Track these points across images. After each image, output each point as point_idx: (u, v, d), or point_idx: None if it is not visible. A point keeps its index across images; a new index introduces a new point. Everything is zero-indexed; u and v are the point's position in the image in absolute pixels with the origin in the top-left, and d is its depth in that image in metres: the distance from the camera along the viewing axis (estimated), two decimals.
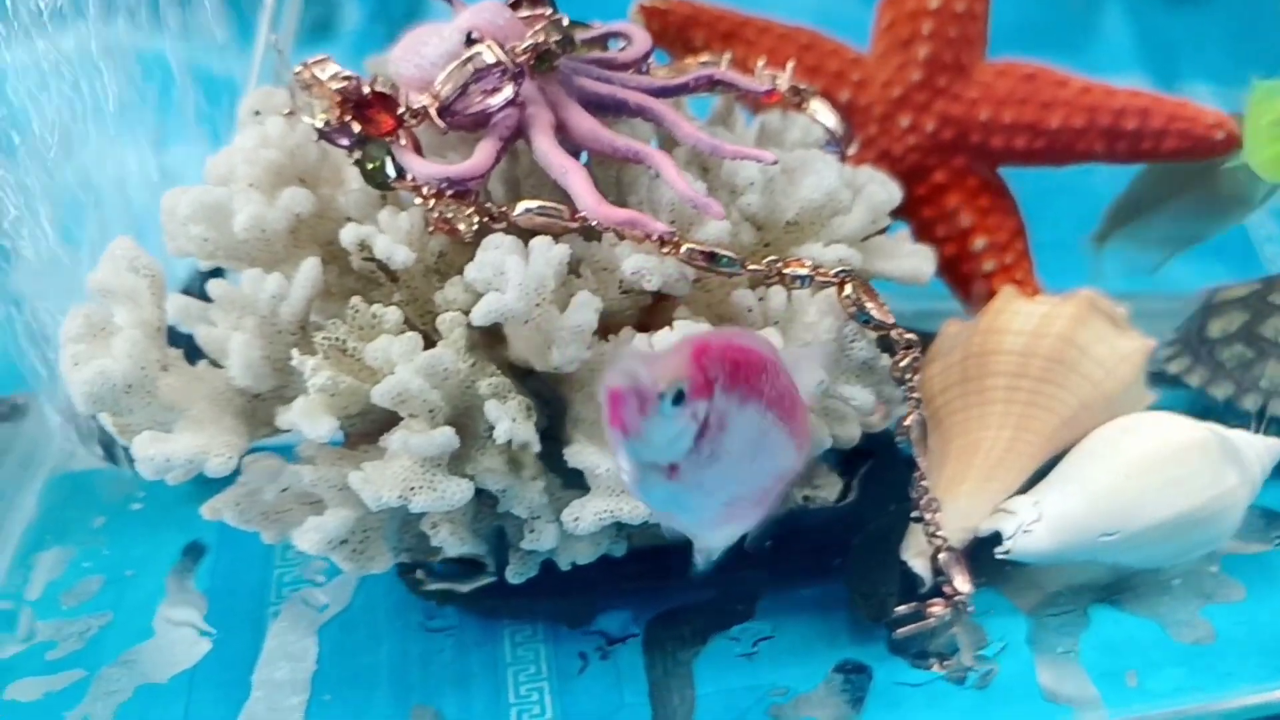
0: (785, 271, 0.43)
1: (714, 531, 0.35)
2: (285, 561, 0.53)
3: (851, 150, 0.54)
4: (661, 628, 0.48)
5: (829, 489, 0.48)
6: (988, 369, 0.51)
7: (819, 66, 0.57)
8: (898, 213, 0.50)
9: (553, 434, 0.44)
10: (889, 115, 0.57)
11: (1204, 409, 0.52)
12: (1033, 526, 0.45)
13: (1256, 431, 0.50)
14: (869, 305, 0.43)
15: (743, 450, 0.33)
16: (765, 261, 0.43)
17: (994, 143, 0.57)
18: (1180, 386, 0.56)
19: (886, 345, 0.44)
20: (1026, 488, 0.48)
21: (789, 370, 0.35)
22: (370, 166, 0.42)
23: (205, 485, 0.44)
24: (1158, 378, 0.55)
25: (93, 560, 0.54)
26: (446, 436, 0.40)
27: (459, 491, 0.41)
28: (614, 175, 0.46)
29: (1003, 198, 0.59)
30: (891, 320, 0.43)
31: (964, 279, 0.59)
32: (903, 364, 0.44)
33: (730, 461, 0.33)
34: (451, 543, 0.43)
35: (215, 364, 0.44)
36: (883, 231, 0.50)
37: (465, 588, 0.46)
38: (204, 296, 0.44)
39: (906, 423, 0.45)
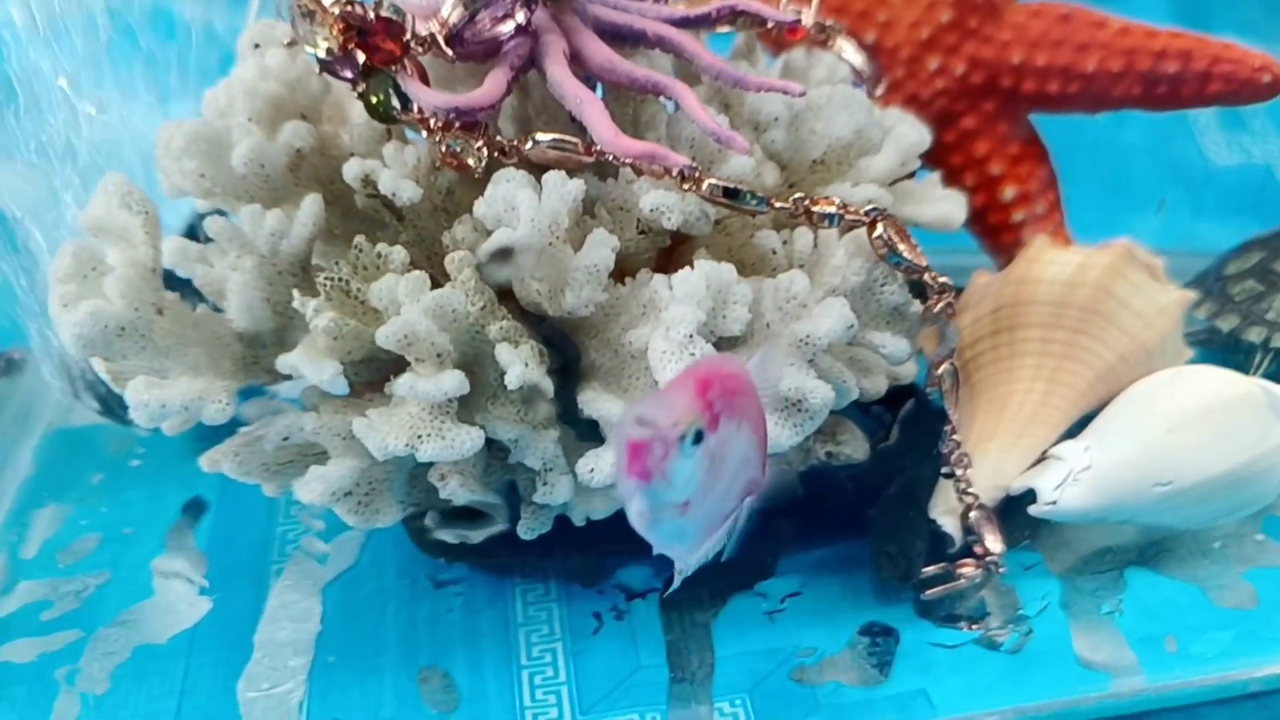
0: (813, 210, 0.40)
1: (697, 553, 0.36)
2: (289, 519, 0.51)
3: (878, 92, 0.52)
4: (679, 586, 0.46)
5: (852, 445, 0.46)
6: (1020, 320, 0.49)
7: (844, 6, 0.55)
8: (924, 160, 0.48)
9: (565, 385, 0.42)
10: (917, 58, 0.55)
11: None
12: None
13: (1260, 362, 0.51)
14: (901, 247, 0.40)
15: (734, 471, 0.34)
16: (791, 199, 0.40)
17: (1026, 87, 0.55)
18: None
19: (918, 290, 0.42)
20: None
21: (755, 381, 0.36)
22: (374, 99, 0.40)
23: (206, 441, 0.42)
24: None
25: (90, 518, 0.53)
26: (456, 380, 0.38)
27: (469, 440, 0.39)
28: (631, 113, 0.44)
29: (1034, 145, 0.57)
30: (925, 263, 0.41)
31: (993, 229, 0.57)
32: (936, 309, 0.42)
33: (722, 485, 0.34)
34: (461, 495, 0.41)
35: (214, 308, 0.42)
36: (911, 176, 0.47)
37: (477, 536, 0.44)
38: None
39: (938, 372, 0.43)
